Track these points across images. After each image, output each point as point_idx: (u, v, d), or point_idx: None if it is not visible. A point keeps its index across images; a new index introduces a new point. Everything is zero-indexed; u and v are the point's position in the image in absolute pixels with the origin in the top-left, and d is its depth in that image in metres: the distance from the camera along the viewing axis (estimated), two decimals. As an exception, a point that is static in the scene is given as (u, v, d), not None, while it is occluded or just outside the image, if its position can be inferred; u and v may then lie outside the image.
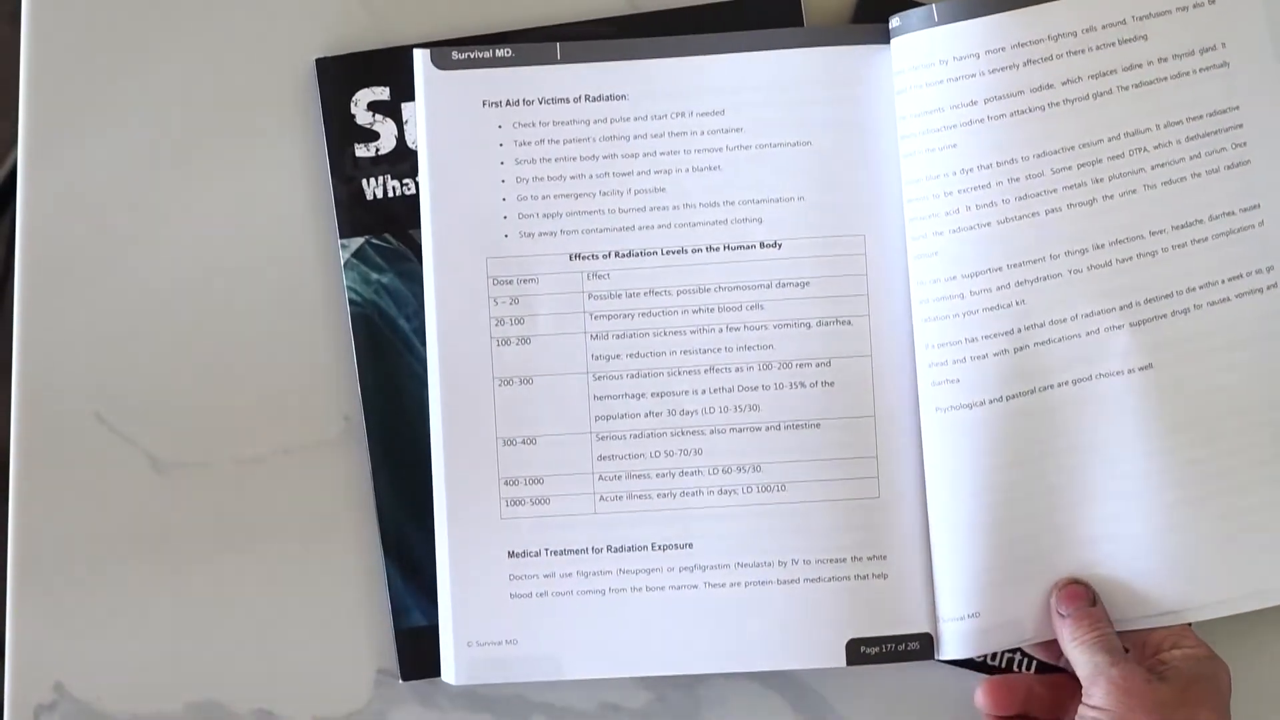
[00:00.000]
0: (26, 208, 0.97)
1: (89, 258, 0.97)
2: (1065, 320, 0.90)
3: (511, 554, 0.92)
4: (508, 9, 0.96)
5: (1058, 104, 0.90)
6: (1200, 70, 0.91)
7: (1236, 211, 0.90)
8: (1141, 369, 0.90)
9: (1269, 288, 0.91)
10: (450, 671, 0.93)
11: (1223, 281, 0.90)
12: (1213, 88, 0.91)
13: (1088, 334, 0.90)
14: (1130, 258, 0.90)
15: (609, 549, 0.92)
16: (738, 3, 0.95)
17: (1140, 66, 0.90)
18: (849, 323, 0.92)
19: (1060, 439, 0.90)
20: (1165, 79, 0.90)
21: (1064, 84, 0.90)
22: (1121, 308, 0.90)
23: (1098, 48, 0.90)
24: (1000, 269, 0.90)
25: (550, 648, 0.92)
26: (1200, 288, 0.90)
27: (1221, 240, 0.90)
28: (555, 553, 0.92)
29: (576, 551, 0.92)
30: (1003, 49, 0.90)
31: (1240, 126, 0.91)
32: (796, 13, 0.95)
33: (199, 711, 0.94)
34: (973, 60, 0.90)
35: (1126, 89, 0.90)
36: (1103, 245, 0.90)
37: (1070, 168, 0.90)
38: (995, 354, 0.90)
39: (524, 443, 0.92)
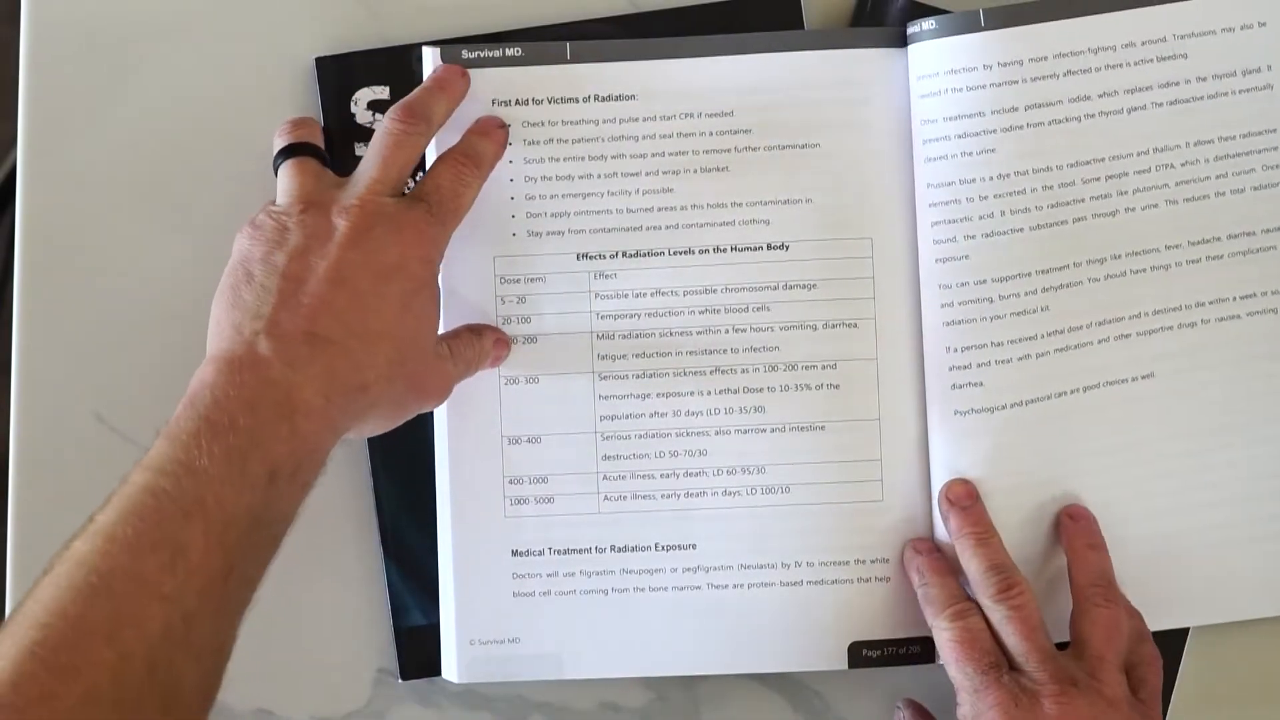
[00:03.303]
0: (26, 208, 0.95)
1: (89, 258, 0.95)
2: (1081, 328, 0.89)
3: (515, 553, 0.91)
4: (506, 9, 0.95)
5: (1094, 115, 0.89)
6: (1240, 91, 0.89)
7: (1258, 232, 0.89)
8: (1144, 378, 0.89)
9: None
10: (452, 670, 0.91)
11: (1234, 299, 0.89)
12: (1251, 109, 0.89)
13: (1099, 342, 0.89)
14: (1144, 270, 0.89)
15: (612, 549, 0.91)
16: (737, 3, 0.94)
17: (1177, 84, 0.89)
18: (855, 325, 0.90)
19: (1068, 445, 0.89)
20: (1201, 98, 0.89)
21: (1100, 96, 0.89)
22: (1130, 317, 0.89)
23: (1136, 63, 0.89)
24: (1029, 274, 0.88)
25: (552, 647, 0.91)
26: (1210, 303, 0.89)
27: (1238, 259, 0.89)
28: (559, 552, 0.91)
29: (580, 551, 0.91)
30: (1045, 58, 0.88)
31: (1276, 149, 0.89)
32: (796, 13, 0.93)
33: (198, 711, 0.93)
34: (1016, 67, 0.88)
35: (1161, 105, 0.89)
36: (1120, 256, 0.89)
37: (1099, 179, 0.89)
38: (1019, 359, 0.88)
39: (529, 441, 0.91)
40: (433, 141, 0.90)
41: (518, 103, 0.91)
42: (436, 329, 0.85)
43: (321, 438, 0.75)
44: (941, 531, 0.89)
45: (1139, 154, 0.89)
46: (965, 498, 0.88)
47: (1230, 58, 0.89)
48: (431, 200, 0.84)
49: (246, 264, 0.79)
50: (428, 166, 0.89)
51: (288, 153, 0.86)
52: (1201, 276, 0.89)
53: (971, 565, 0.86)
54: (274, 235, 0.80)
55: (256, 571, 0.73)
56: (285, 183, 0.84)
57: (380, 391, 0.79)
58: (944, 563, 0.88)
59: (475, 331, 0.89)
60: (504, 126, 0.90)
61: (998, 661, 0.83)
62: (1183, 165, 0.89)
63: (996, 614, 0.84)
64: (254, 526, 0.71)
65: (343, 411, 0.76)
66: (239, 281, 0.79)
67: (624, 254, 0.90)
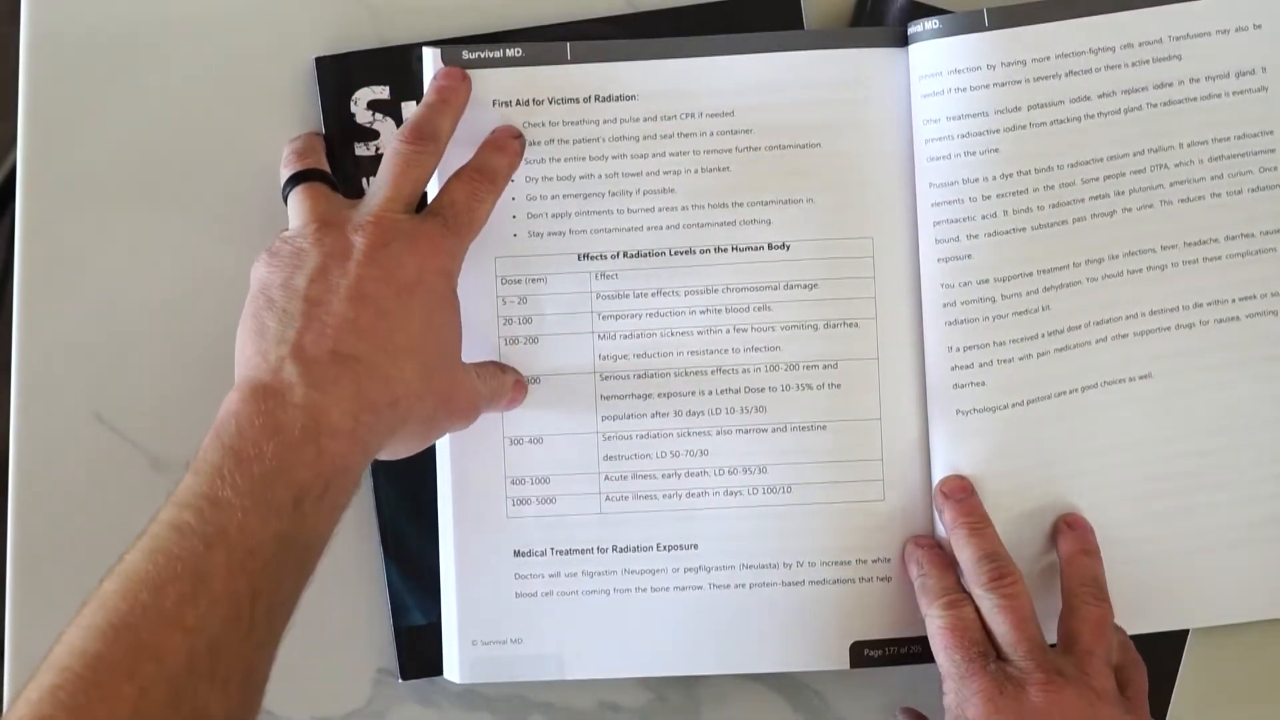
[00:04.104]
0: (26, 208, 0.94)
1: (89, 258, 0.94)
2: (1079, 328, 0.89)
3: (517, 553, 0.90)
4: (506, 8, 0.94)
5: (1093, 116, 0.88)
6: (1234, 93, 0.89)
7: (1256, 234, 0.89)
8: (1141, 378, 0.89)
9: None
10: (454, 670, 0.91)
11: (1233, 300, 0.89)
12: (1246, 111, 0.89)
13: (1096, 341, 0.89)
14: (1140, 270, 0.89)
15: (614, 549, 0.90)
16: (737, 3, 0.94)
17: (1170, 85, 0.89)
18: (856, 325, 0.90)
19: (1068, 445, 0.89)
20: (1195, 99, 0.89)
21: (1100, 97, 0.89)
22: (1127, 317, 0.89)
23: (1133, 64, 0.89)
24: (1031, 274, 0.88)
25: (554, 647, 0.91)
26: (1208, 304, 0.89)
27: (1236, 260, 0.89)
28: (561, 552, 0.90)
29: (582, 551, 0.90)
30: (1048, 58, 0.88)
31: (1273, 151, 0.89)
32: (796, 13, 0.93)
33: (199, 711, 0.92)
34: (1020, 67, 0.88)
35: (1155, 106, 0.89)
36: (1117, 256, 0.89)
37: (1097, 179, 0.89)
38: (1020, 358, 0.88)
39: (531, 442, 0.90)
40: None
41: (518, 103, 0.90)
42: (460, 343, 0.84)
43: (350, 458, 0.75)
44: (943, 530, 0.89)
45: (1134, 154, 0.89)
46: (960, 490, 0.88)
47: (1224, 59, 0.89)
48: (446, 214, 0.84)
49: (267, 291, 0.79)
50: (435, 179, 0.89)
51: (295, 180, 0.86)
52: (1199, 278, 0.89)
53: (964, 555, 0.86)
54: (291, 259, 0.79)
55: (289, 595, 0.72)
56: (296, 208, 0.84)
57: (409, 407, 0.78)
58: (943, 557, 0.88)
59: (500, 367, 0.90)
60: (519, 137, 0.90)
61: (985, 651, 0.83)
62: (1177, 166, 0.89)
63: (988, 603, 0.84)
64: (281, 551, 0.71)
65: (371, 430, 0.76)
66: (261, 309, 0.78)
67: (625, 254, 0.90)
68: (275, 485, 0.71)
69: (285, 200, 0.86)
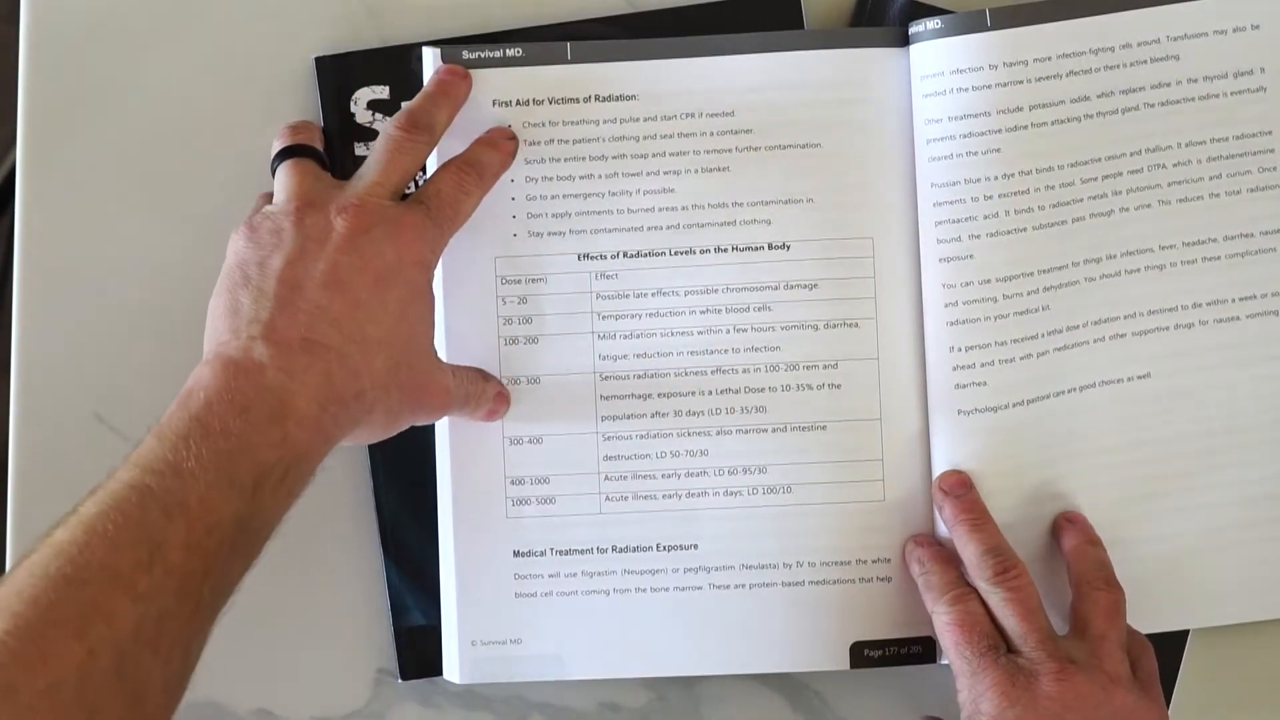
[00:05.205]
0: (26, 208, 0.94)
1: (89, 257, 0.94)
2: (1078, 327, 0.89)
3: (517, 553, 0.90)
4: (506, 8, 0.94)
5: (1092, 116, 0.89)
6: (1232, 94, 0.89)
7: (1255, 234, 0.89)
8: (1140, 378, 0.89)
9: None
10: (454, 670, 0.90)
11: (1233, 300, 0.89)
12: (1244, 111, 0.89)
13: (1094, 341, 0.89)
14: (1138, 269, 0.89)
15: (614, 549, 0.90)
16: (737, 3, 0.94)
17: (1168, 85, 0.89)
18: (856, 325, 0.90)
19: (1069, 444, 0.89)
20: (1193, 99, 0.89)
21: (1099, 97, 0.89)
22: (1126, 317, 0.89)
23: (1131, 64, 0.89)
24: (1031, 274, 0.88)
25: (554, 647, 0.90)
26: (1208, 304, 0.89)
27: (1235, 260, 0.89)
28: (560, 552, 0.90)
29: (582, 551, 0.90)
30: (1049, 58, 0.88)
31: (1272, 151, 0.89)
32: (796, 13, 0.93)
33: (198, 711, 0.91)
34: (1021, 67, 0.88)
35: (1153, 106, 0.89)
36: (1115, 255, 0.89)
37: (1096, 179, 0.89)
38: (1021, 358, 0.88)
39: (530, 442, 0.90)
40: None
41: (518, 103, 0.90)
42: (432, 336, 0.84)
43: (313, 446, 0.75)
44: (944, 530, 0.89)
45: (1132, 154, 0.89)
46: (959, 486, 0.88)
47: (1222, 60, 0.89)
48: (431, 205, 0.83)
49: (243, 267, 0.79)
50: (428, 173, 0.88)
51: (286, 154, 0.85)
52: (1198, 277, 0.89)
53: (968, 550, 0.86)
54: (270, 237, 0.79)
55: (234, 577, 0.72)
56: (282, 182, 0.84)
57: (375, 399, 0.78)
58: (944, 553, 0.88)
59: (483, 375, 0.89)
60: (513, 138, 0.90)
61: (995, 644, 0.83)
62: (1175, 166, 0.89)
63: (994, 597, 0.84)
64: (237, 532, 0.71)
65: (335, 420, 0.76)
66: (236, 285, 0.78)
67: (625, 254, 0.90)
68: (239, 464, 0.71)
69: (273, 174, 0.86)
